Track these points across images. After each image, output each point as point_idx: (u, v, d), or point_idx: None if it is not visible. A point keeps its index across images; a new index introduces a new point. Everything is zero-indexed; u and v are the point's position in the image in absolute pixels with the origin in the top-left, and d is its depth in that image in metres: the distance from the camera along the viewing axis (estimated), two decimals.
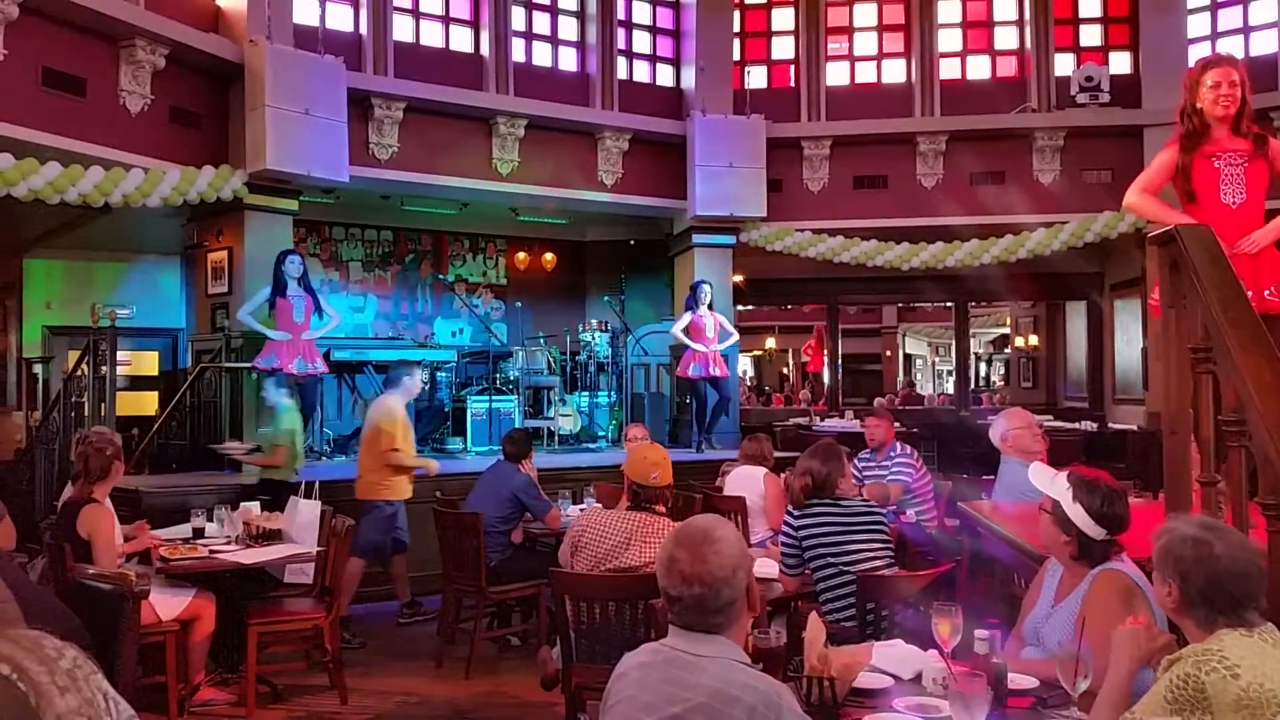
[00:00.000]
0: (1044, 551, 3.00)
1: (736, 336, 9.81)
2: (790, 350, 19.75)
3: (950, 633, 2.54)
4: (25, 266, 10.95)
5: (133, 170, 7.36)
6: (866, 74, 11.20)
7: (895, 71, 11.11)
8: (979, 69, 11.13)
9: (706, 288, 9.45)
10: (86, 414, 8.03)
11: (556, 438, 9.70)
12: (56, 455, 7.92)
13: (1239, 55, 10.22)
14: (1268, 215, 3.83)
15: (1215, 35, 10.48)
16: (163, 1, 7.82)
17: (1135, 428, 10.26)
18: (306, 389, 7.75)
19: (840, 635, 3.37)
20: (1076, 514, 2.68)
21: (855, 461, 6.37)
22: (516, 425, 9.16)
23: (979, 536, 4.59)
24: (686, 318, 9.37)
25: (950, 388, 17.50)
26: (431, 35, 9.85)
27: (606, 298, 11.29)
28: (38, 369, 10.66)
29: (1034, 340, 14.17)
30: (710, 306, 9.43)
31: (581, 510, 5.45)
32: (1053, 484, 2.78)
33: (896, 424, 6.83)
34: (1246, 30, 10.37)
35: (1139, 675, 2.19)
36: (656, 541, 3.94)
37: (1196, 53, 10.31)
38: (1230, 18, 10.46)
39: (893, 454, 6.48)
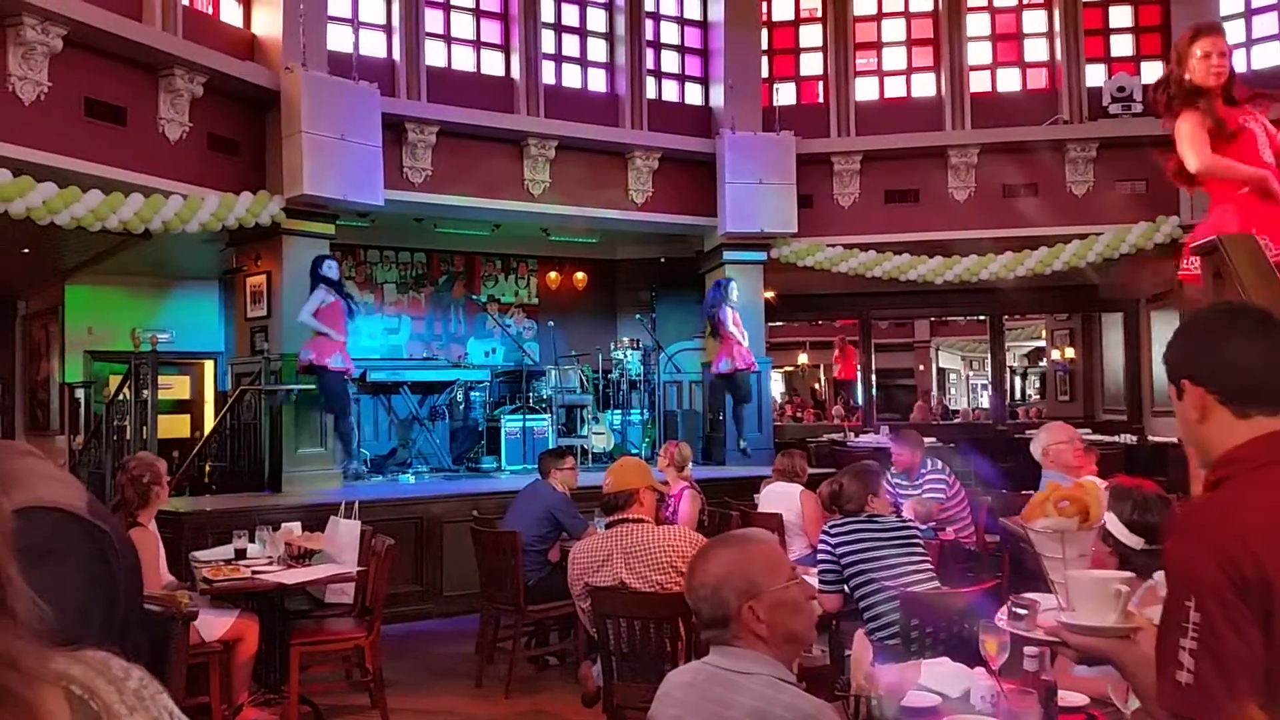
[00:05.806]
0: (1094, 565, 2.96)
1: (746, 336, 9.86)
2: (822, 365, 19.65)
3: (998, 650, 2.52)
4: (67, 293, 11.15)
5: (172, 197, 7.48)
6: (896, 88, 11.18)
7: (925, 85, 11.07)
8: (1009, 81, 11.08)
9: (734, 283, 9.73)
10: (128, 437, 8.16)
11: (590, 456, 9.72)
12: (100, 479, 8.04)
13: (1275, 61, 10.13)
14: None
15: (1250, 42, 10.35)
16: (200, 31, 7.98)
17: (1175, 440, 10.11)
18: (342, 387, 7.95)
19: (886, 654, 3.35)
20: (1112, 524, 2.65)
21: (888, 478, 6.32)
22: (550, 444, 9.20)
23: (1021, 552, 4.55)
24: (730, 312, 9.56)
25: (984, 401, 17.34)
26: (463, 60, 9.96)
27: (638, 316, 11.31)
28: (79, 393, 10.83)
29: (1070, 353, 14.02)
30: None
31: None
32: None
33: (932, 439, 6.79)
34: None
35: None
36: (642, 550, 3.94)
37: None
38: (1265, 24, 10.32)
39: (924, 471, 6.41)
